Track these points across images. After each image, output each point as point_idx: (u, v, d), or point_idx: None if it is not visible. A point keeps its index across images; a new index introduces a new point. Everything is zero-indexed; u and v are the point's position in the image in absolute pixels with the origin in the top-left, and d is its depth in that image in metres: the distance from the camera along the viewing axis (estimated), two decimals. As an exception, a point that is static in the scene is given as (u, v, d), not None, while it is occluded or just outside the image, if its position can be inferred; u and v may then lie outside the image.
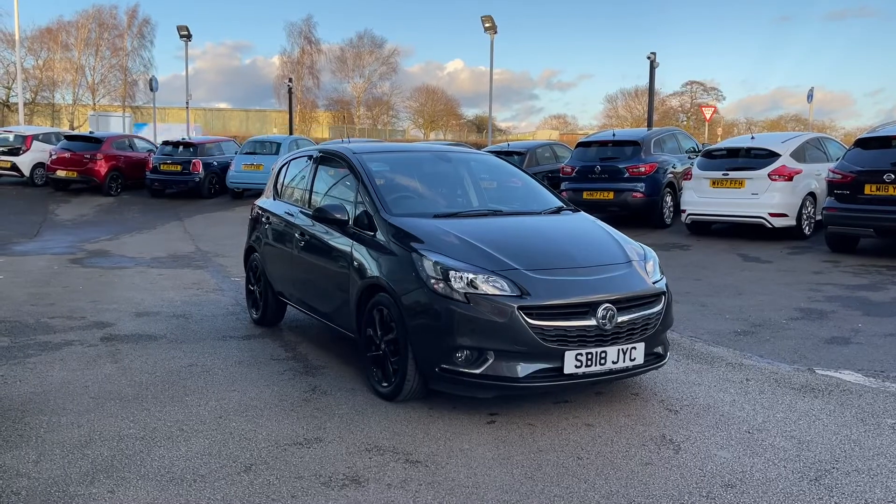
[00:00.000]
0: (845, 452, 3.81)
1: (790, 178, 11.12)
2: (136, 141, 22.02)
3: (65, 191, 20.05)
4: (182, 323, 6.67)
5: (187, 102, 31.98)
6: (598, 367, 4.17)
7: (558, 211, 5.46)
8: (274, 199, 6.55)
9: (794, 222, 11.25)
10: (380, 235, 4.76)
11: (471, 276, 4.18)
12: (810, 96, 28.98)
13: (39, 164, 20.70)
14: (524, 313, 4.07)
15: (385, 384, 4.57)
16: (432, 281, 4.25)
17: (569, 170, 13.74)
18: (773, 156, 11.34)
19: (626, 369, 4.30)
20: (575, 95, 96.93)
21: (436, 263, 4.28)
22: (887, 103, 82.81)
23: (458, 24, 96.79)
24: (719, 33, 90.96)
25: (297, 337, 6.20)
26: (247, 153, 19.29)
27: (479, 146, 17.86)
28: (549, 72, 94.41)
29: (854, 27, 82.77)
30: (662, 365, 4.67)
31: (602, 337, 4.17)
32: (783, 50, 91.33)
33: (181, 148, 19.72)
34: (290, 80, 34.10)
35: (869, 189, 9.53)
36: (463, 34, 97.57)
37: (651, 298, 4.47)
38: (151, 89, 30.77)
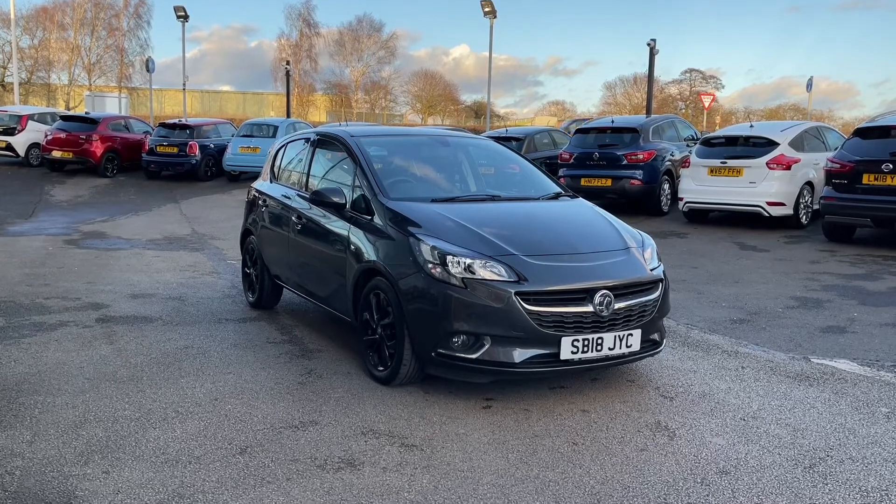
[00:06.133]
0: (840, 441, 3.82)
1: (788, 168, 11.09)
2: (132, 122, 21.89)
3: (60, 171, 19.93)
4: (178, 305, 6.65)
5: (184, 84, 31.72)
6: (595, 354, 4.17)
7: (556, 197, 5.44)
8: (271, 182, 6.52)
9: (791, 211, 11.24)
10: (377, 219, 4.74)
11: (468, 261, 4.17)
12: (809, 85, 28.88)
13: (35, 145, 20.54)
14: (521, 299, 4.06)
15: (381, 368, 4.57)
16: (430, 265, 4.23)
17: (567, 156, 13.69)
18: (771, 144, 11.31)
19: (623, 356, 4.30)
20: (580, 82, 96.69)
21: (433, 248, 4.27)
22: (891, 94, 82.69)
23: (464, 10, 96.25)
24: (728, 22, 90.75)
25: (293, 320, 6.19)
26: (243, 136, 19.22)
27: (477, 132, 17.76)
28: (555, 58, 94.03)
29: (862, 18, 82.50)
30: (659, 352, 4.67)
31: (599, 323, 4.17)
32: (790, 40, 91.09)
33: (178, 130, 19.62)
34: (288, 62, 33.81)
35: (867, 179, 9.51)
36: (469, 19, 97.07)
37: (648, 285, 4.47)
38: (148, 70, 30.52)
